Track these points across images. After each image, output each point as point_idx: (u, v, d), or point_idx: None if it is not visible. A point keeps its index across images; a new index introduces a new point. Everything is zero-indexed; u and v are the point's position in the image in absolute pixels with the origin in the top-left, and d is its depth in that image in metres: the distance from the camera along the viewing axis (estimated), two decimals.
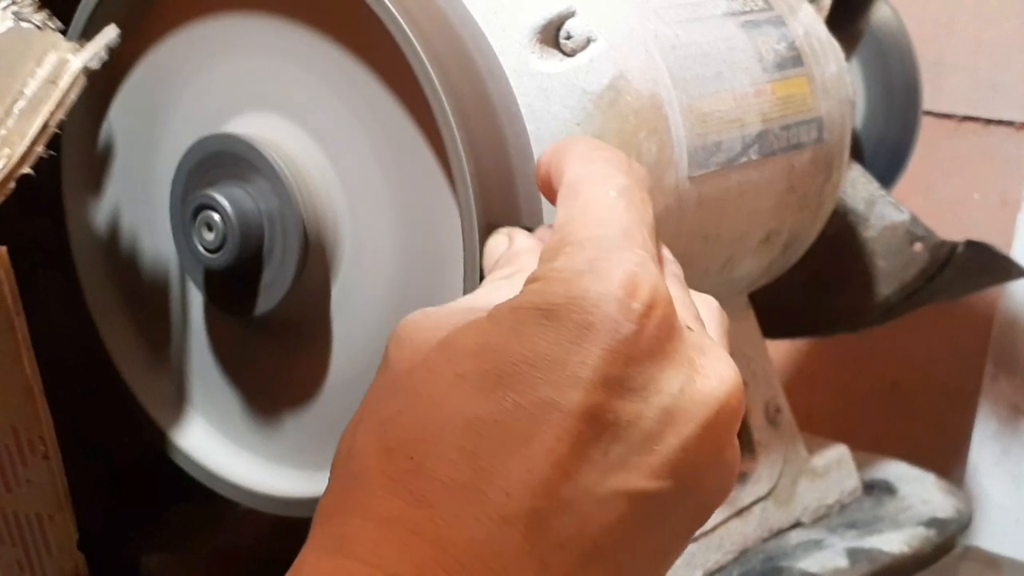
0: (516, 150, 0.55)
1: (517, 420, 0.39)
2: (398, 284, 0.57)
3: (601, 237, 0.43)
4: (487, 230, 0.53)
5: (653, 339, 0.41)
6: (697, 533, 0.69)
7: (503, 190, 0.54)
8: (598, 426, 0.40)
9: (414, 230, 0.57)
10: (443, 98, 0.52)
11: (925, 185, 1.06)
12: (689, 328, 0.43)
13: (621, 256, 0.42)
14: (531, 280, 0.43)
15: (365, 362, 0.59)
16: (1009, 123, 1.09)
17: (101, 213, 0.67)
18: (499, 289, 0.46)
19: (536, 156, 0.56)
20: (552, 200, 0.47)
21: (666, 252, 0.48)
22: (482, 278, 0.52)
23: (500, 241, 0.52)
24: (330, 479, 0.42)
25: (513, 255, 0.50)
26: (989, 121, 1.10)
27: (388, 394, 0.42)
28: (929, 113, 0.93)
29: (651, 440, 0.41)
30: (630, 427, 0.41)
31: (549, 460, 0.39)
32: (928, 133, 0.90)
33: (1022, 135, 1.09)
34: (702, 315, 0.46)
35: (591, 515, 0.40)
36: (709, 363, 0.43)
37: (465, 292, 0.53)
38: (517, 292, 0.43)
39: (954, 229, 0.84)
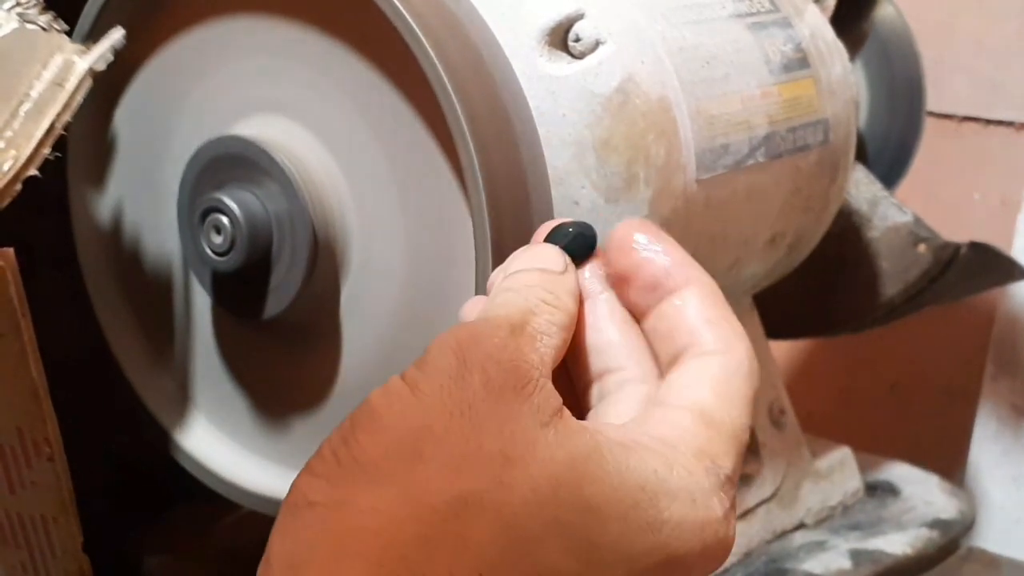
0: (527, 152, 0.55)
1: None
2: (408, 286, 0.57)
3: (713, 459, 0.43)
4: (498, 231, 0.53)
5: None
6: None
7: (514, 192, 0.54)
8: None
9: (423, 232, 0.57)
10: (454, 100, 0.52)
11: (925, 185, 1.06)
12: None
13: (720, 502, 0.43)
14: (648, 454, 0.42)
15: (375, 364, 0.59)
16: (1009, 123, 1.09)
17: (106, 214, 0.67)
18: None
19: (547, 159, 0.56)
20: (624, 282, 0.47)
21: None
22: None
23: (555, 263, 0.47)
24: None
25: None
26: (989, 121, 1.10)
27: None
28: (929, 113, 0.93)
29: None
30: None
31: None
32: (928, 133, 0.90)
33: (1022, 135, 1.09)
34: (737, 383, 0.46)
35: None
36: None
37: (476, 293, 0.53)
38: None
39: (954, 229, 0.84)
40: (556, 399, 0.42)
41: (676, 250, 0.47)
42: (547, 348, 0.43)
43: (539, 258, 0.46)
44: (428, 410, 0.40)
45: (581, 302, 0.47)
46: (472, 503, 0.39)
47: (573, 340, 0.46)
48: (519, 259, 0.47)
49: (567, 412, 0.42)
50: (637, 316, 0.47)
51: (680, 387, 0.45)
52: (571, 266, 0.47)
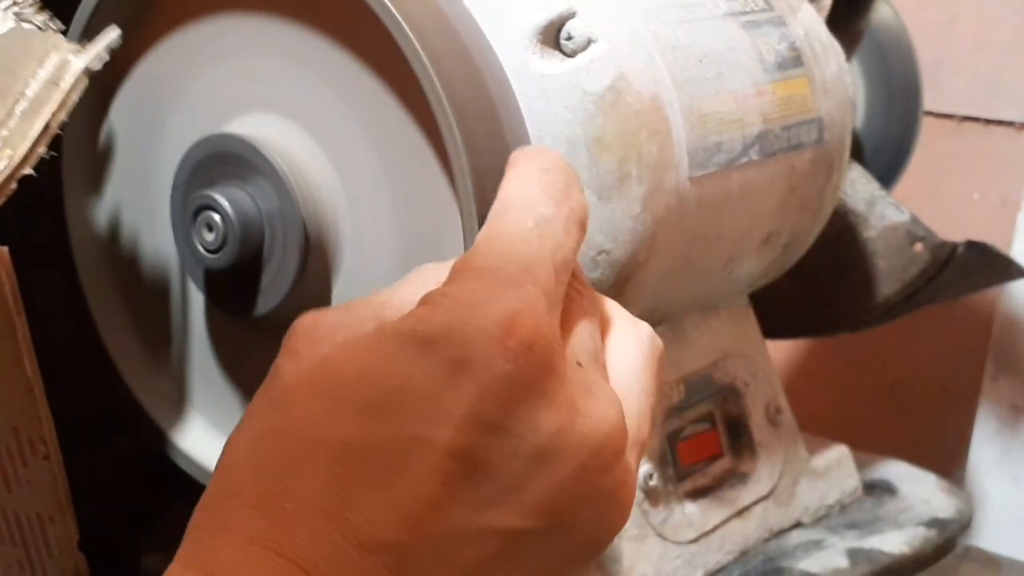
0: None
1: (387, 452, 0.40)
2: None
3: (497, 268, 0.43)
4: None
5: (530, 379, 0.41)
6: (697, 533, 0.70)
7: None
8: (469, 464, 0.40)
9: (415, 230, 0.57)
10: (443, 98, 0.52)
11: (925, 185, 1.06)
12: (578, 365, 0.43)
13: (508, 292, 0.42)
14: (421, 302, 0.42)
15: None
16: (1009, 123, 1.09)
17: (102, 213, 0.67)
18: (415, 282, 0.46)
19: None
20: None
21: (585, 284, 0.48)
22: None
23: None
24: (208, 487, 0.42)
25: None
26: (989, 121, 1.10)
27: (268, 409, 0.42)
28: (929, 113, 0.93)
29: (524, 480, 0.41)
30: (502, 466, 0.41)
31: (415, 494, 0.40)
32: (928, 133, 0.90)
33: (1022, 135, 1.09)
34: (618, 347, 0.46)
35: (459, 551, 0.40)
36: (592, 403, 0.43)
37: None
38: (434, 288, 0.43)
39: (954, 229, 0.84)
40: None
41: (511, 161, 0.48)
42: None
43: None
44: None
45: None
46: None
47: None
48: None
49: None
50: None
51: None
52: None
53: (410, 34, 0.53)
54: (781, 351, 1.16)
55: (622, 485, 0.44)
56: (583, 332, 0.45)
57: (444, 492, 0.40)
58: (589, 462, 0.42)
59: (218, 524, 0.40)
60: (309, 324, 0.44)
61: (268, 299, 0.59)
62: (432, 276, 0.46)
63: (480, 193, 0.53)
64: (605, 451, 0.42)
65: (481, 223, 0.52)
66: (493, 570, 0.41)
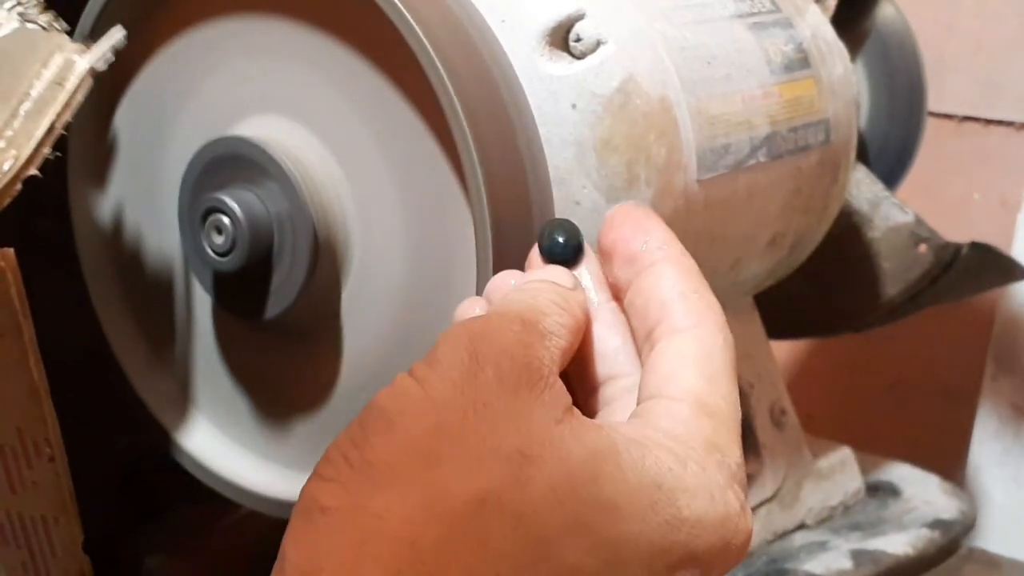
0: (527, 152, 0.55)
1: None
2: (409, 286, 0.57)
3: (722, 451, 0.43)
4: (498, 231, 0.53)
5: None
6: None
7: (514, 191, 0.54)
8: None
9: (424, 232, 0.56)
10: (454, 100, 0.52)
11: (925, 185, 1.06)
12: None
13: (735, 495, 0.43)
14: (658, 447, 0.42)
15: (376, 365, 0.59)
16: (1009, 123, 1.09)
17: (107, 214, 0.67)
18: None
19: (548, 159, 0.56)
20: (607, 259, 0.48)
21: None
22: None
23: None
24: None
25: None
26: (989, 121, 1.10)
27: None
28: (929, 113, 0.92)
29: None
30: None
31: None
32: (928, 133, 0.90)
33: (1022, 135, 1.09)
34: (718, 358, 0.46)
35: None
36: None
37: (476, 293, 0.53)
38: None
39: (954, 229, 0.84)
40: (567, 397, 0.41)
41: (658, 226, 0.48)
42: (556, 349, 0.43)
43: (550, 274, 0.47)
44: (441, 408, 0.39)
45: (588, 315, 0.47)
46: (490, 502, 0.38)
47: (580, 347, 0.46)
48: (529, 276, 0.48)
49: (578, 411, 0.42)
50: (620, 294, 0.48)
51: (666, 375, 0.45)
52: (579, 283, 0.48)
53: (421, 35, 0.52)
54: (782, 351, 1.16)
55: None
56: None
57: None
58: None
59: None
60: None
61: (277, 302, 0.59)
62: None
63: (491, 194, 0.52)
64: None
65: (493, 225, 0.52)
66: None
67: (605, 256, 0.48)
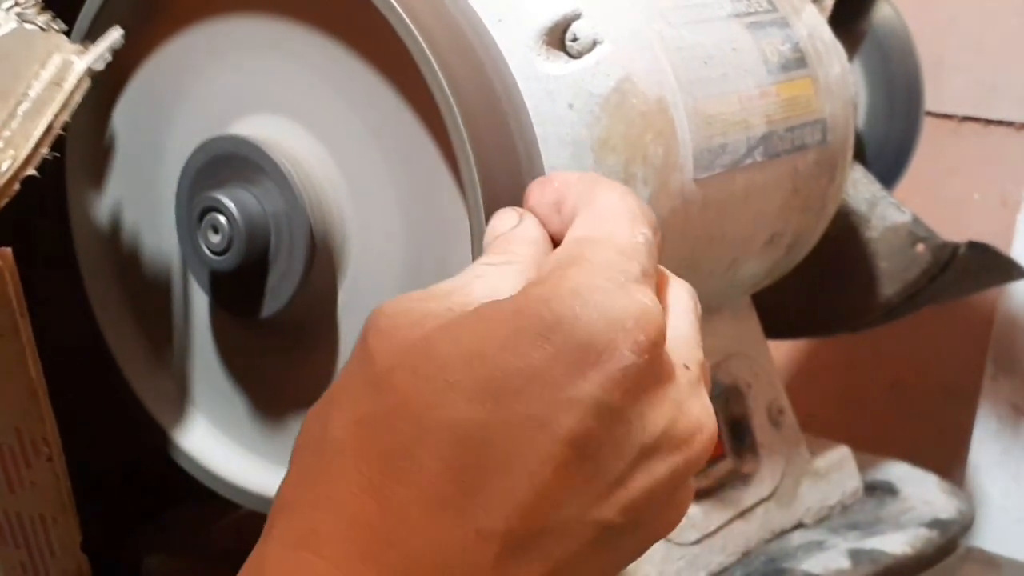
0: (524, 151, 0.55)
1: (504, 437, 0.39)
2: (405, 286, 0.57)
3: (621, 265, 0.42)
4: None
5: (651, 375, 0.41)
6: (700, 535, 0.70)
7: (510, 192, 0.54)
8: (582, 454, 0.40)
9: (421, 231, 0.57)
10: (451, 100, 0.52)
11: (925, 185, 1.06)
12: (685, 367, 0.43)
13: (639, 289, 0.42)
14: (536, 283, 0.42)
15: None
16: (1009, 123, 1.09)
17: (105, 214, 0.67)
18: (485, 278, 0.44)
19: (544, 159, 0.56)
20: (546, 220, 0.48)
21: (685, 286, 0.48)
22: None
23: (507, 220, 0.49)
24: (293, 464, 0.41)
25: (511, 239, 0.47)
26: (989, 121, 1.10)
27: (369, 390, 0.41)
28: (929, 113, 0.93)
29: (627, 475, 0.41)
30: (612, 459, 0.40)
31: (531, 482, 0.39)
32: (928, 133, 0.90)
33: (1022, 135, 1.09)
34: (679, 305, 0.46)
35: (558, 543, 0.40)
36: (693, 408, 0.43)
37: None
38: (507, 288, 0.42)
39: (954, 229, 0.84)
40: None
41: (575, 177, 0.49)
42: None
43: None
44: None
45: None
46: None
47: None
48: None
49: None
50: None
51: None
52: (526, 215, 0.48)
53: (416, 34, 0.52)
54: (782, 351, 1.16)
55: (689, 490, 0.44)
56: (688, 332, 0.45)
57: (557, 482, 0.39)
58: (681, 467, 0.42)
59: (317, 503, 0.39)
60: (398, 305, 0.43)
61: (274, 301, 0.59)
62: (492, 274, 0.45)
63: (487, 194, 0.52)
64: (695, 457, 0.42)
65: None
66: (581, 563, 0.41)
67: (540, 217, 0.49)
